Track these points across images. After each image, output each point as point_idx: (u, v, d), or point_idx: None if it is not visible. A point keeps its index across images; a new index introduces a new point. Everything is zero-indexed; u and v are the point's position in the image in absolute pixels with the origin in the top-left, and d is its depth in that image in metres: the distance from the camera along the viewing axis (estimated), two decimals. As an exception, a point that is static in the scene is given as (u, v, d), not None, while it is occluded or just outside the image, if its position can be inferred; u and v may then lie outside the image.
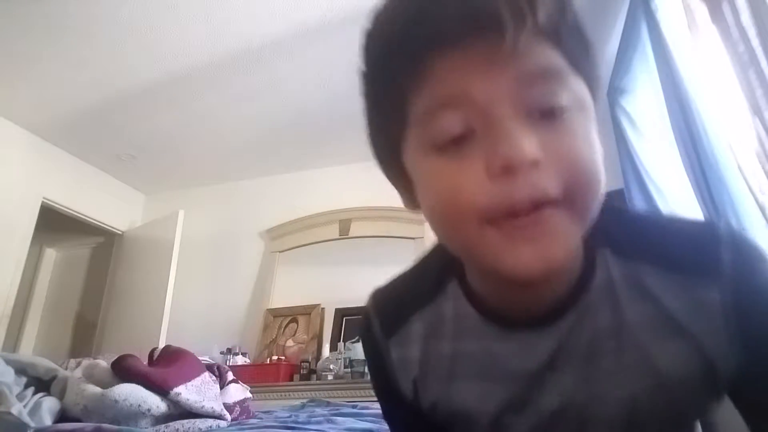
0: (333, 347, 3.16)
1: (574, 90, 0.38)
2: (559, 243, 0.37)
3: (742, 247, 0.42)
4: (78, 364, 1.22)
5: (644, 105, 2.28)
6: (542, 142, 0.35)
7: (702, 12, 1.55)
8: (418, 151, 0.40)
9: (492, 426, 0.47)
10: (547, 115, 0.36)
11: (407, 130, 0.41)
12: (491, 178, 0.35)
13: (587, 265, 0.44)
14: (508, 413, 0.46)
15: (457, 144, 0.37)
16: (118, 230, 4.10)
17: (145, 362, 1.20)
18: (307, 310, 3.46)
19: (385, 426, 0.69)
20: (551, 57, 0.37)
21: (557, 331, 0.43)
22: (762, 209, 1.38)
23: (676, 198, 2.12)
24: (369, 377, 0.56)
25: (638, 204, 2.36)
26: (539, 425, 0.45)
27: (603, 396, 0.43)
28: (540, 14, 0.35)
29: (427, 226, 0.48)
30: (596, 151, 0.38)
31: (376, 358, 0.53)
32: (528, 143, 0.35)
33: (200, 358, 1.35)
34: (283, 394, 2.92)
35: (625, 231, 0.45)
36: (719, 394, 0.43)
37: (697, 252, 0.42)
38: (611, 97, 2.61)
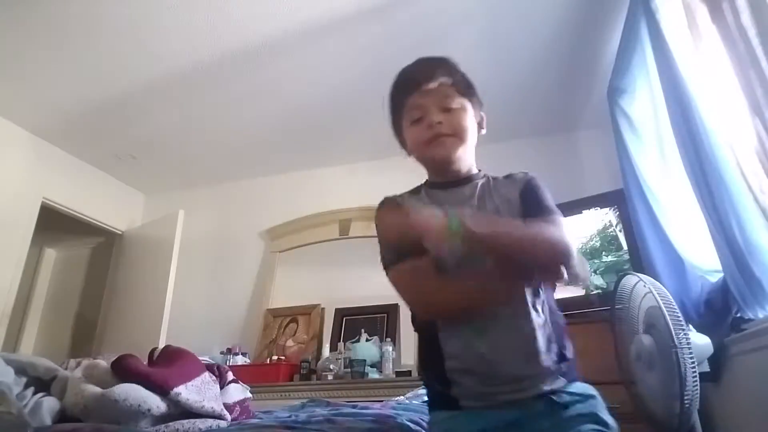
0: (333, 347, 3.16)
1: (459, 102, 1.04)
2: (450, 147, 1.03)
3: (531, 176, 1.07)
4: (78, 364, 1.22)
5: (642, 106, 2.28)
6: (444, 117, 1.02)
7: (702, 12, 1.55)
8: (407, 124, 1.07)
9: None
10: (447, 110, 1.02)
11: (403, 118, 1.08)
12: (427, 129, 1.02)
13: (478, 175, 1.09)
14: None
15: (417, 121, 1.04)
16: (118, 230, 4.11)
17: (145, 362, 1.20)
18: (307, 310, 3.46)
19: (385, 426, 0.78)
20: (449, 90, 1.04)
21: (468, 190, 1.05)
22: (762, 209, 1.38)
23: (670, 199, 2.11)
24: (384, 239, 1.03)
25: (637, 203, 2.36)
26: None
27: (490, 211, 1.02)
28: (440, 80, 1.05)
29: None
30: (466, 123, 1.03)
31: (395, 207, 1.07)
32: (437, 117, 1.02)
33: (200, 358, 1.35)
34: (283, 394, 2.92)
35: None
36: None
37: (517, 175, 1.08)
38: (611, 97, 2.61)
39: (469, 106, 1.05)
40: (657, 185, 2.18)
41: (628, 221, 2.57)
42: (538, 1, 2.42)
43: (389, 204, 1.08)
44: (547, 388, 0.91)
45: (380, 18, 2.48)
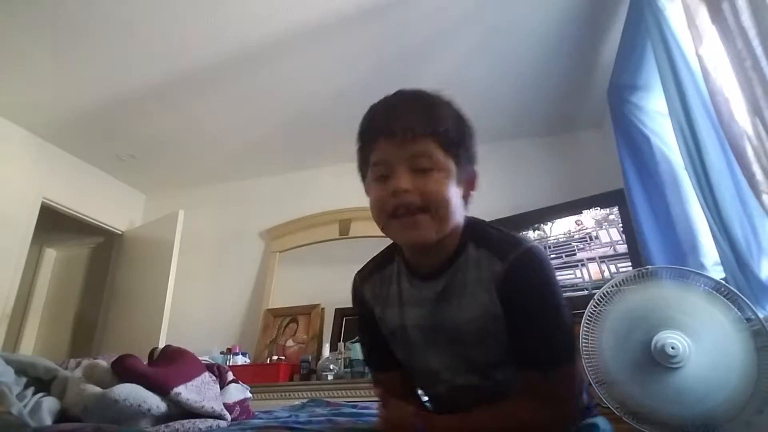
0: (333, 347, 3.16)
1: (438, 161, 0.77)
2: (423, 230, 0.77)
3: (527, 254, 0.77)
4: (78, 364, 1.22)
5: (657, 101, 2.27)
6: (414, 182, 0.76)
7: (702, 12, 1.55)
8: (371, 179, 0.83)
9: (413, 328, 0.86)
10: (419, 171, 0.76)
11: (369, 169, 0.83)
12: (391, 197, 0.77)
13: (460, 248, 0.83)
14: (420, 322, 0.85)
15: (383, 178, 0.79)
16: (118, 230, 4.10)
17: (145, 362, 1.20)
18: (307, 310, 3.46)
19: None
20: (425, 146, 0.76)
21: (443, 280, 0.83)
22: (762, 208, 1.38)
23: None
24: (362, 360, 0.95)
25: (639, 202, 2.36)
26: (434, 327, 0.84)
27: (461, 315, 0.81)
28: (416, 130, 0.76)
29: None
30: (446, 190, 0.77)
31: (357, 296, 0.96)
32: (404, 182, 0.76)
33: (200, 358, 1.35)
34: (283, 394, 2.92)
35: (480, 234, 0.83)
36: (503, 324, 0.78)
37: (504, 248, 0.78)
38: (614, 96, 2.60)
39: (452, 165, 0.78)
40: (681, 176, 2.13)
41: (628, 221, 2.57)
42: (538, 2, 2.42)
43: (354, 293, 0.97)
44: None
45: (380, 18, 2.47)
